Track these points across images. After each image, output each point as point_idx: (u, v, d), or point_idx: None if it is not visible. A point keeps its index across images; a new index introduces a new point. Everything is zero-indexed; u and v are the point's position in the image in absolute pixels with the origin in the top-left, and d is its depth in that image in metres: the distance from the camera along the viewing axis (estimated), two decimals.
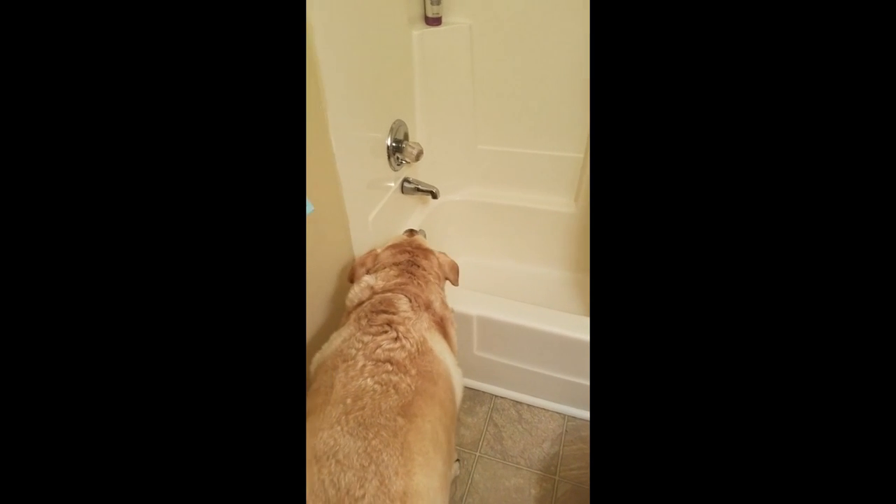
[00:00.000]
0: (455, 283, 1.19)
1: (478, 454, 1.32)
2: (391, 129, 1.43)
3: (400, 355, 0.83)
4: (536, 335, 1.27)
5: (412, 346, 0.86)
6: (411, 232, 1.31)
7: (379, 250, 1.15)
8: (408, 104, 1.54)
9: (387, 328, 0.87)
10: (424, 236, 1.35)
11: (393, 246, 1.14)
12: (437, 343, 0.93)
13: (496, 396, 1.46)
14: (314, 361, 0.93)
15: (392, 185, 1.52)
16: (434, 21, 1.50)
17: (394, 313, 0.91)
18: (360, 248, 1.32)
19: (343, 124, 1.14)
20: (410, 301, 0.97)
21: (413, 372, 0.81)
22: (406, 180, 1.57)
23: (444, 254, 1.19)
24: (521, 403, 1.44)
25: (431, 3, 1.47)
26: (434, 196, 1.58)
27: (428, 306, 0.99)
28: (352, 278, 1.10)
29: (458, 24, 1.52)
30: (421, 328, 0.92)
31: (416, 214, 1.71)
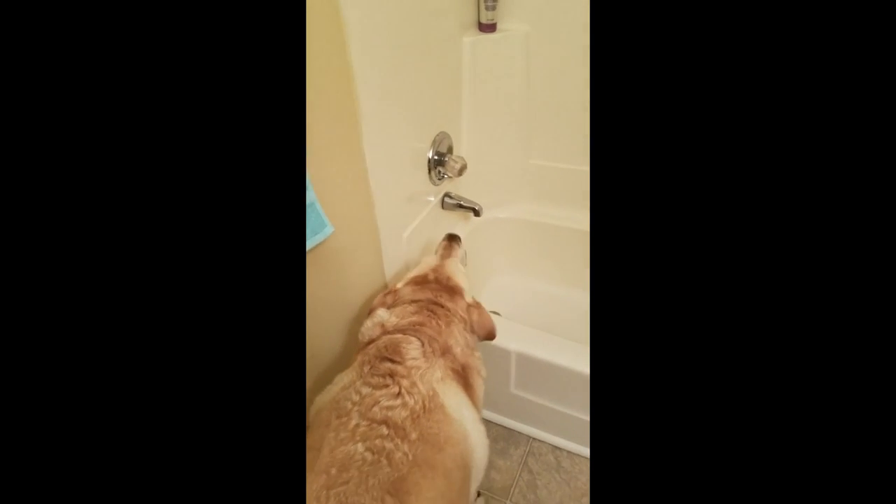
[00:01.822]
0: (490, 338, 1.01)
1: (508, 503, 1.19)
2: (434, 142, 1.34)
3: (399, 415, 0.71)
4: (580, 379, 1.12)
5: (416, 402, 0.73)
6: (451, 238, 1.18)
7: (400, 285, 1.02)
8: (454, 115, 1.45)
9: (388, 381, 0.75)
10: (465, 253, 1.23)
11: (415, 281, 0.99)
12: (452, 397, 0.80)
13: (533, 439, 1.32)
14: (315, 403, 0.83)
15: (432, 199, 1.43)
16: (488, 27, 1.40)
17: (399, 362, 0.78)
18: (391, 268, 1.23)
19: (379, 134, 1.06)
20: (423, 345, 0.83)
21: (413, 436, 0.69)
22: (447, 195, 1.48)
23: (478, 305, 1.00)
24: (560, 449, 1.29)
25: (486, 9, 1.37)
26: (476, 213, 1.47)
27: (446, 351, 0.85)
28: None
29: (514, 31, 1.41)
30: (432, 379, 0.79)
31: (458, 231, 1.61)
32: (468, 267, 1.62)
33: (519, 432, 1.34)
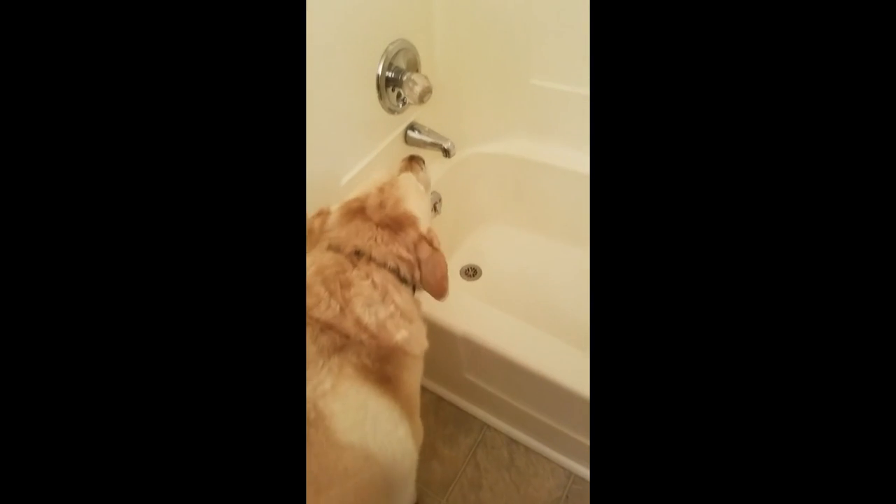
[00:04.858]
0: (438, 294, 0.78)
1: (444, 501, 1.04)
2: (385, 53, 1.01)
3: None
4: (534, 379, 0.89)
5: None
6: (411, 160, 0.91)
7: (334, 208, 0.78)
8: (420, 16, 1.09)
9: None
10: (429, 183, 0.94)
11: (349, 208, 0.75)
12: (349, 412, 0.61)
13: (488, 426, 1.14)
14: None
15: (392, 132, 1.13)
16: None
17: None
18: None
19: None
20: (317, 337, 0.63)
21: None
22: (412, 127, 1.17)
23: (431, 241, 0.75)
24: (516, 443, 1.10)
25: None
26: (446, 153, 1.16)
27: (348, 343, 0.64)
28: None
29: None
30: (315, 395, 0.60)
31: (432, 170, 1.30)
32: (442, 214, 1.35)
33: (472, 416, 1.15)
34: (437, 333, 0.98)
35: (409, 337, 0.70)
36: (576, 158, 1.30)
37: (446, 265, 0.76)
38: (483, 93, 1.27)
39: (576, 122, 1.25)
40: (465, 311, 0.98)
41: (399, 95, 1.08)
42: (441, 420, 1.15)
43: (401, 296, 0.71)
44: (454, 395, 1.17)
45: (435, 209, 1.34)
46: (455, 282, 1.41)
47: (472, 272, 1.46)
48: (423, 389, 1.19)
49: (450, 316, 0.96)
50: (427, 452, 1.11)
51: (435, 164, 1.32)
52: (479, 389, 1.07)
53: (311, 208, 0.94)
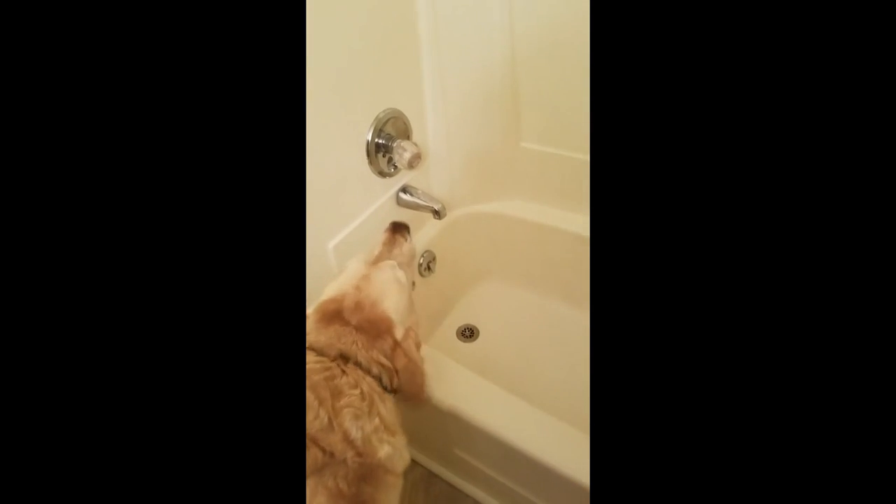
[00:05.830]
0: (418, 403, 0.73)
1: None
2: (376, 121, 1.03)
3: None
4: (526, 461, 0.83)
5: None
6: (395, 229, 0.87)
7: (309, 311, 0.73)
8: (410, 86, 1.11)
9: None
10: (413, 250, 0.90)
11: (325, 312, 0.70)
12: None
13: None
14: None
15: (383, 195, 1.13)
16: None
17: None
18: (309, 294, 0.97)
19: None
20: None
21: None
22: (404, 190, 1.17)
23: (410, 347, 0.70)
24: None
25: None
26: (437, 215, 1.15)
27: (327, 462, 0.59)
28: None
29: None
30: None
31: (426, 230, 1.31)
32: (437, 273, 1.33)
33: (463, 493, 1.08)
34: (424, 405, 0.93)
35: (392, 453, 0.64)
36: (566, 218, 1.29)
37: (423, 374, 0.72)
38: (475, 156, 1.28)
39: (565, 183, 1.25)
40: (453, 382, 0.93)
41: (390, 160, 1.09)
42: (432, 498, 1.08)
43: (385, 406, 0.67)
44: (446, 470, 1.10)
45: (429, 268, 1.32)
46: (450, 344, 1.38)
47: (468, 333, 1.42)
48: (414, 463, 1.12)
49: (437, 388, 0.92)
50: None
51: (429, 223, 1.32)
52: (471, 466, 1.00)
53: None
